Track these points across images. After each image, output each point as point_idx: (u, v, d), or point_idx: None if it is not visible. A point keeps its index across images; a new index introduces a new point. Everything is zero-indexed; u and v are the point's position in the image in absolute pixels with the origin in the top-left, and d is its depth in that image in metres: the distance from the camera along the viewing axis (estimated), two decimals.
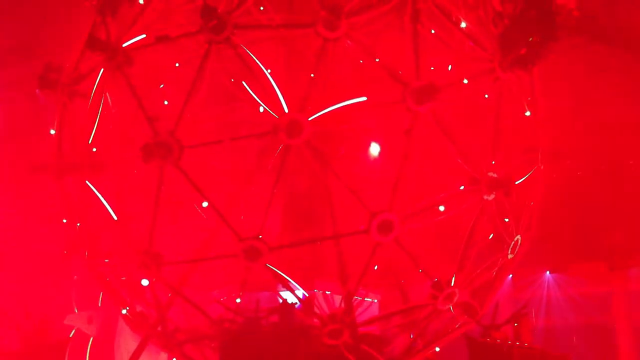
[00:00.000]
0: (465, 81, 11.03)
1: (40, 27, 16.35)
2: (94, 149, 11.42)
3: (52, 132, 11.84)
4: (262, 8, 11.95)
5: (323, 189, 10.91)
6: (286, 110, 10.34)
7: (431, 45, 11.22)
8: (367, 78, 11.38)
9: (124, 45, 11.07)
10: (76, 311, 13.45)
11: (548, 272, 20.10)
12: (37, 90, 11.85)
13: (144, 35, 11.31)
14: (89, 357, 13.91)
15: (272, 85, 10.66)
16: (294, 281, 11.19)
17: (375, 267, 10.85)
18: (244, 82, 12.31)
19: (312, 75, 10.52)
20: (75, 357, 14.07)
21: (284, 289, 11.16)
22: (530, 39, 10.39)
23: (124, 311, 11.63)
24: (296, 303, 10.58)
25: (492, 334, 11.39)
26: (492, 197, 10.94)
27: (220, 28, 10.40)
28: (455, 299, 10.93)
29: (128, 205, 11.43)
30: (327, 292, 11.67)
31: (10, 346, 15.60)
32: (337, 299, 10.99)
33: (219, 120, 12.90)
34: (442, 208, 10.89)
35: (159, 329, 11.30)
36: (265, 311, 10.49)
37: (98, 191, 11.34)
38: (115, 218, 11.07)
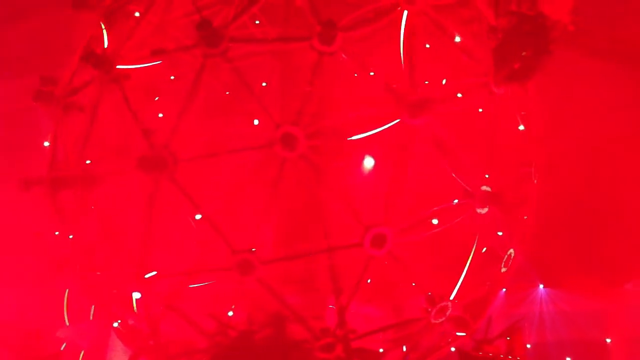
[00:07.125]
0: (460, 95, 11.08)
1: (35, 40, 16.35)
2: (88, 162, 11.40)
3: (46, 144, 11.84)
4: (257, 22, 11.97)
5: (317, 202, 10.90)
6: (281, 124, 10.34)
7: (426, 59, 11.25)
8: (362, 92, 11.39)
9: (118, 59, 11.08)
10: (68, 325, 13.35)
11: (542, 286, 20.03)
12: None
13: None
14: None
15: (268, 99, 10.65)
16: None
17: (369, 281, 10.83)
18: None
19: (308, 88, 10.54)
20: None
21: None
22: (524, 53, 10.42)
23: (115, 325, 11.57)
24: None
25: (484, 348, 11.35)
26: (485, 210, 10.95)
27: (216, 42, 10.40)
28: (448, 312, 10.91)
29: (121, 218, 11.40)
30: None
31: None
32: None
33: (214, 133, 12.89)
34: (435, 222, 10.89)
35: (151, 342, 11.24)
36: (258, 325, 10.45)
37: (92, 204, 11.32)
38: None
